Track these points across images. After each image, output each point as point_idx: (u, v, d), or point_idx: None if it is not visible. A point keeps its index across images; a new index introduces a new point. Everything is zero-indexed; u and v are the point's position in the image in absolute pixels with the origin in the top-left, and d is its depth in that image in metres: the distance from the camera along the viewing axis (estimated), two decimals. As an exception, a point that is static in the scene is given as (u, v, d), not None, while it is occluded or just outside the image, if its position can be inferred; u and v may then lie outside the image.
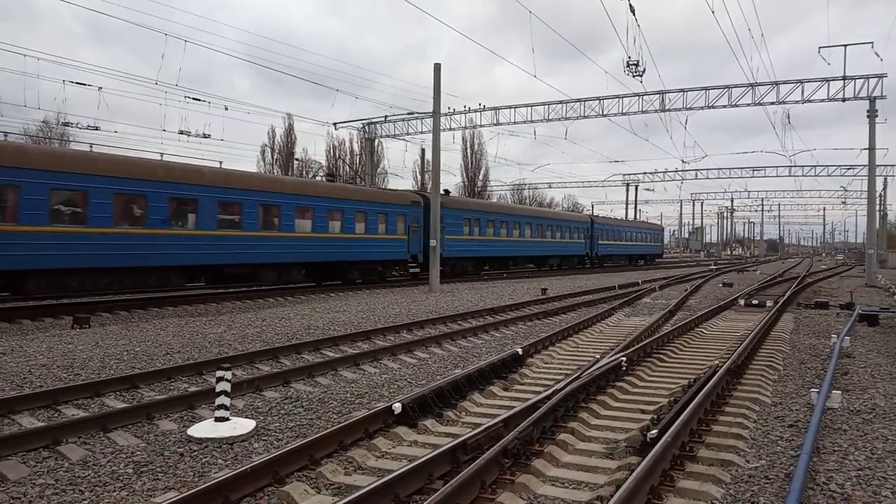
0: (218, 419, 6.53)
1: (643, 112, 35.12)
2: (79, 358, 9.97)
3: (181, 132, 33.77)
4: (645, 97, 34.64)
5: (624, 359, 9.39)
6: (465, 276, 33.51)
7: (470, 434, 5.86)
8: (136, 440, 6.32)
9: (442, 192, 32.95)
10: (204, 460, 5.76)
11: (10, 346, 10.90)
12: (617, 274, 41.06)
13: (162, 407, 7.17)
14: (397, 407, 6.73)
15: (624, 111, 35.47)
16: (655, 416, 6.72)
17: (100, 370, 9.21)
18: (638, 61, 29.75)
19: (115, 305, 17.40)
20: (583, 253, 48.44)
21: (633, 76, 30.17)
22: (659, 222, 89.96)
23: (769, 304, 19.26)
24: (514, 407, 7.14)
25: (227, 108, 32.73)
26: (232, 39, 78.80)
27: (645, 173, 72.49)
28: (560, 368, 10.05)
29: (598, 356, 10.49)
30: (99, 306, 17.15)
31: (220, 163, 21.40)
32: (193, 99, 30.65)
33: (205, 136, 34.51)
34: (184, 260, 18.73)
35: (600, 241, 50.67)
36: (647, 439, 5.80)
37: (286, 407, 7.64)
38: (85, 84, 26.70)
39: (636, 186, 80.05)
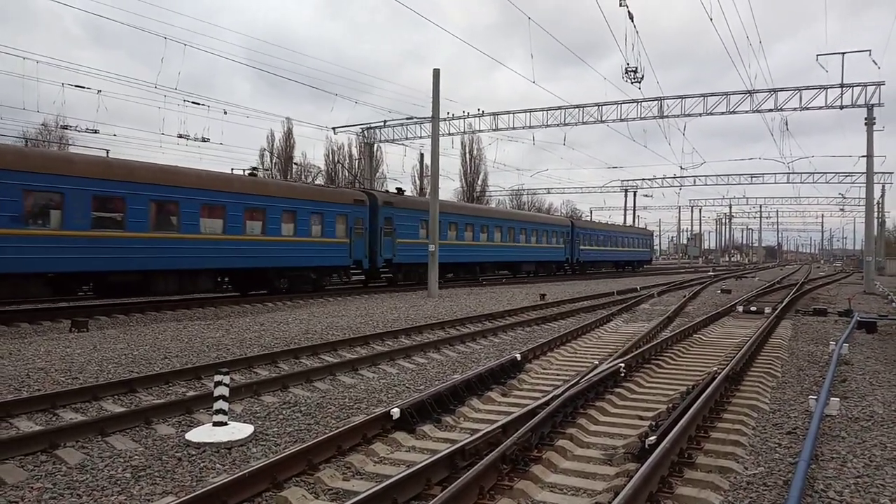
0: (216, 424, 6.52)
1: (641, 118, 35.22)
2: (77, 362, 9.96)
3: (180, 136, 33.85)
4: (643, 104, 34.74)
5: (623, 365, 9.39)
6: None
7: (468, 440, 5.86)
8: (134, 444, 6.31)
9: (394, 190, 31.17)
10: (202, 465, 5.75)
11: (8, 350, 10.88)
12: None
13: (160, 411, 7.16)
14: (395, 412, 6.72)
15: (622, 117, 35.57)
16: (654, 423, 6.72)
17: (98, 374, 9.19)
18: (636, 68, 29.83)
19: (113, 309, 17.39)
20: (562, 259, 45.90)
21: (632, 83, 30.24)
22: (657, 228, 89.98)
23: (767, 310, 19.27)
24: (512, 412, 7.13)
25: (226, 112, 32.81)
26: (232, 44, 79.01)
27: (643, 179, 72.90)
28: (559, 374, 10.04)
29: (596, 362, 10.50)
30: (97, 310, 17.14)
31: (108, 151, 18.83)
32: (193, 103, 30.72)
33: (204, 140, 34.58)
34: (42, 266, 15.71)
35: (582, 247, 48.19)
36: (646, 445, 5.80)
37: (284, 412, 7.63)
38: (84, 87, 26.75)
39: (634, 192, 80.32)
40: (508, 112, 38.53)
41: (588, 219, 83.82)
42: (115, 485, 5.27)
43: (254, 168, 24.08)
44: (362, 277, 27.94)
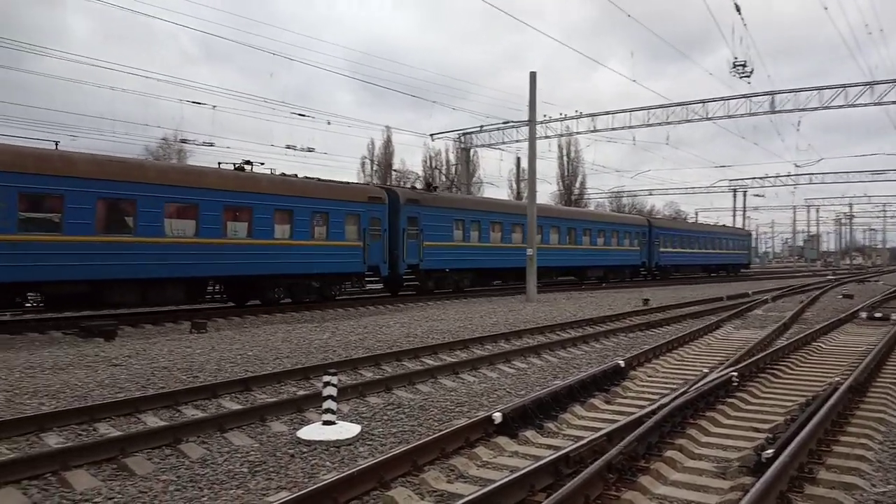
0: (325, 423, 6.76)
1: (751, 114, 33.63)
2: (197, 361, 10.61)
3: (287, 146, 35.39)
4: (753, 99, 33.11)
5: (735, 374, 8.96)
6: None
7: (572, 447, 5.78)
8: (250, 440, 6.64)
9: (422, 187, 28.84)
10: (313, 462, 5.98)
11: (135, 350, 11.74)
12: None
13: (273, 409, 7.51)
14: (497, 416, 6.73)
15: (730, 114, 34.07)
16: (771, 435, 6.38)
17: (216, 373, 9.75)
18: (745, 62, 28.56)
19: (228, 312, 18.40)
20: (637, 263, 40.97)
21: (740, 77, 28.96)
22: (769, 230, 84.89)
23: (894, 317, 17.84)
24: (617, 421, 6.97)
25: (329, 123, 33.91)
26: (335, 56, 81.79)
27: (753, 178, 69.22)
28: (665, 382, 9.72)
29: (706, 370, 10.08)
30: (214, 312, 18.18)
31: (57, 143, 16.44)
32: (299, 114, 32.07)
33: (309, 150, 35.99)
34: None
35: (662, 249, 42.89)
36: (763, 459, 5.51)
37: (389, 413, 7.80)
38: (200, 103, 28.50)
39: (744, 192, 76.52)
40: (607, 112, 37.76)
41: (694, 220, 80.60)
42: (233, 479, 5.57)
43: (246, 161, 20.77)
44: (380, 286, 24.83)
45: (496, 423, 6.71)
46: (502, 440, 6.56)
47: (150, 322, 16.45)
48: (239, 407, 7.86)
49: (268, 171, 20.91)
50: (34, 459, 5.61)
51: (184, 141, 44.62)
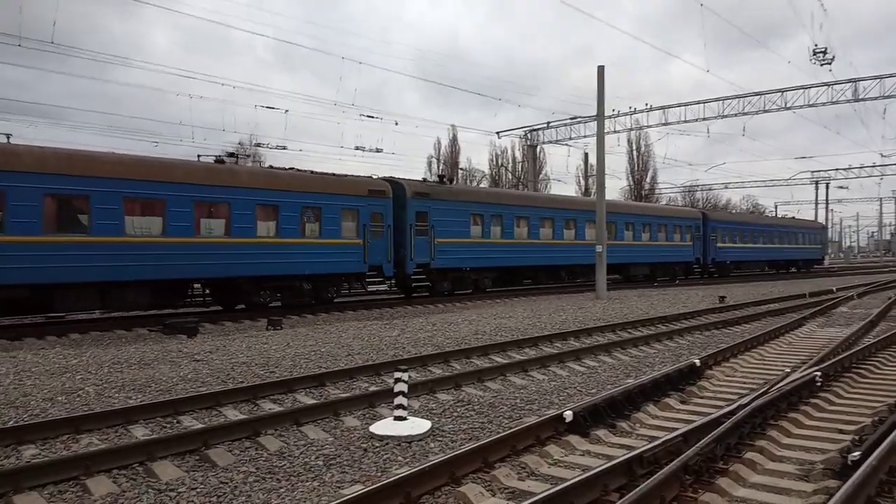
0: (397, 418, 6.86)
1: (833, 103, 32.15)
2: (273, 357, 10.94)
3: (357, 148, 36.08)
4: (835, 87, 31.56)
5: (818, 373, 8.57)
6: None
7: (647, 447, 5.66)
8: (324, 434, 6.81)
9: (434, 179, 26.26)
10: (385, 456, 6.08)
11: (216, 346, 12.21)
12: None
13: (347, 404, 7.67)
14: (568, 415, 6.66)
15: (811, 103, 32.66)
16: (857, 437, 6.07)
17: (292, 368, 10.04)
18: (826, 49, 27.34)
19: (303, 309, 18.90)
20: (689, 259, 37.22)
21: (821, 65, 27.69)
22: (854, 223, 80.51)
23: None
24: (693, 421, 6.78)
25: (397, 124, 34.42)
26: (402, 58, 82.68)
27: (836, 170, 65.95)
28: (744, 382, 9.39)
29: (787, 370, 9.68)
30: (290, 310, 18.70)
31: (9, 136, 15.31)
32: (367, 116, 32.66)
33: (377, 151, 36.60)
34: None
35: (720, 244, 39.19)
36: (849, 462, 5.26)
37: (459, 409, 7.84)
38: (274, 108, 29.37)
39: (826, 184, 73.00)
40: (679, 105, 36.79)
41: (773, 214, 77.44)
42: (310, 472, 5.72)
43: (229, 153, 20.04)
44: (385, 287, 22.85)
45: (567, 421, 6.64)
46: (574, 439, 6.49)
47: (230, 319, 17.06)
48: (314, 401, 8.06)
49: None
50: (123, 450, 5.91)
51: (258, 145, 46.16)
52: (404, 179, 22.79)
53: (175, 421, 7.28)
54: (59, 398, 8.05)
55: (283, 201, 18.57)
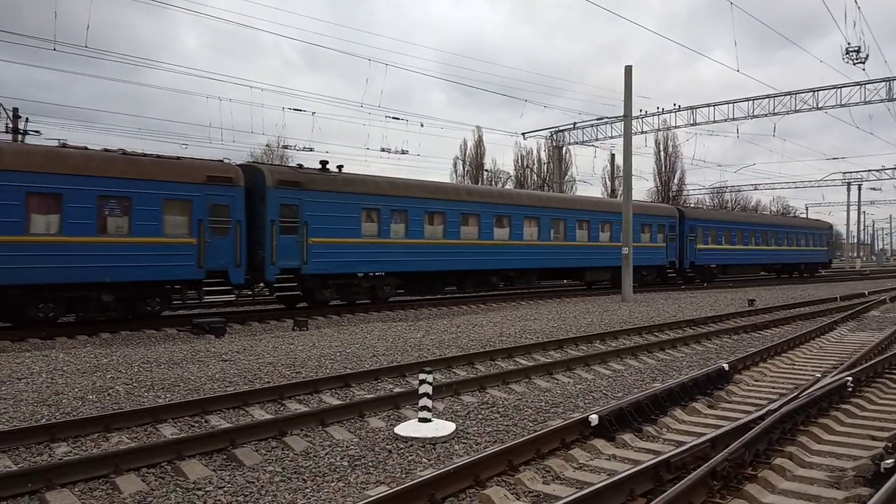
0: (421, 420, 6.87)
1: (866, 103, 31.50)
2: (299, 357, 11.03)
3: (382, 149, 36.23)
4: (868, 86, 30.93)
5: (850, 379, 8.40)
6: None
7: (674, 452, 5.59)
8: (350, 435, 6.84)
9: (316, 167, 20.09)
10: (410, 458, 6.09)
11: (243, 346, 12.34)
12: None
13: (371, 405, 7.70)
14: (594, 419, 6.61)
15: (843, 102, 32.02)
16: (890, 444, 5.93)
17: (317, 369, 10.11)
18: (859, 47, 26.76)
19: (329, 310, 19.02)
20: (662, 262, 32.33)
21: (854, 64, 27.16)
22: (887, 225, 78.56)
23: None
24: (721, 426, 6.69)
25: (422, 125, 34.51)
26: (428, 59, 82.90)
27: (869, 171, 64.61)
28: (773, 387, 9.23)
29: (818, 375, 9.50)
30: (313, 311, 18.84)
31: None
32: (393, 118, 32.77)
33: (403, 153, 36.70)
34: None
35: (700, 246, 34.69)
36: (882, 469, 5.15)
37: (483, 412, 7.83)
38: (301, 110, 29.59)
39: (859, 186, 71.58)
40: (707, 105, 36.31)
41: (804, 216, 76.05)
42: (335, 472, 5.75)
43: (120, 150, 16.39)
44: (231, 297, 17.75)
45: (593, 425, 6.59)
46: (599, 443, 6.44)
47: (256, 320, 17.24)
48: (339, 402, 8.10)
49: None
50: (151, 449, 5.99)
51: (286, 147, 46.58)
52: (267, 164, 18.62)
53: (203, 420, 7.37)
54: (90, 397, 8.19)
55: (70, 189, 14.65)
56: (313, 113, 31.19)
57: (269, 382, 9.10)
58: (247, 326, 16.48)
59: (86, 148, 15.87)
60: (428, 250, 21.79)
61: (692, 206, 52.07)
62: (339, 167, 20.45)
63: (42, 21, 76.83)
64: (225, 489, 5.34)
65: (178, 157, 17.20)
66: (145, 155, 16.57)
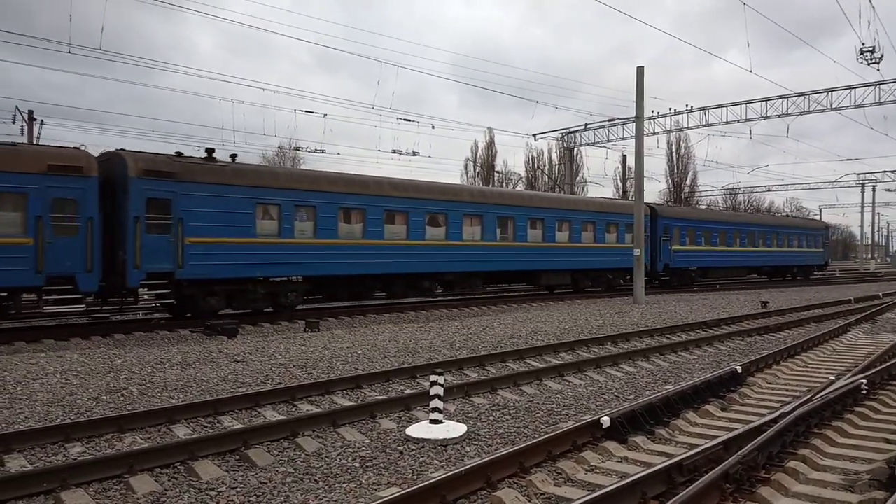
0: (433, 421, 6.88)
1: (881, 103, 31.22)
2: (311, 358, 11.06)
3: (394, 151, 36.32)
4: (883, 86, 30.66)
5: (864, 381, 8.33)
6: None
7: (686, 455, 5.57)
8: (361, 436, 6.86)
9: (200, 156, 17.36)
10: (421, 459, 6.10)
11: (255, 347, 12.39)
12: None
13: (383, 407, 7.72)
14: (606, 421, 6.59)
15: (857, 103, 31.73)
16: (908, 449, 5.88)
17: (328, 370, 10.13)
18: (874, 48, 26.54)
19: (340, 311, 19.06)
20: (629, 265, 27.45)
21: (869, 64, 26.94)
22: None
23: None
24: (734, 429, 6.65)
25: (433, 127, 34.56)
26: (440, 61, 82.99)
27: (884, 172, 64.02)
28: (786, 390, 9.17)
29: (832, 377, 9.42)
30: (325, 312, 18.89)
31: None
32: (404, 120, 32.85)
33: (414, 154, 36.79)
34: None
35: (676, 247, 31.91)
36: (898, 473, 5.09)
37: (494, 413, 7.82)
38: (313, 112, 29.72)
39: (873, 187, 70.98)
40: (720, 106, 36.11)
41: (817, 217, 75.42)
42: (346, 473, 5.77)
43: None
44: (80, 307, 15.15)
45: (604, 427, 6.57)
46: (611, 445, 6.42)
47: (268, 321, 17.31)
48: (350, 404, 8.12)
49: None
50: (165, 449, 6.04)
51: (297, 149, 46.74)
52: (129, 151, 16.07)
53: (216, 421, 7.41)
54: (104, 397, 8.26)
55: None
56: (325, 115, 31.25)
57: (281, 384, 9.13)
58: (258, 327, 16.55)
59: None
60: (342, 251, 19.20)
61: (666, 203, 47.22)
62: (233, 156, 18.19)
63: (57, 24, 77.41)
64: (238, 489, 5.37)
65: (14, 144, 15.08)
66: None
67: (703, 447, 5.80)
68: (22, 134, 31.32)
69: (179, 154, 16.99)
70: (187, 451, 6.04)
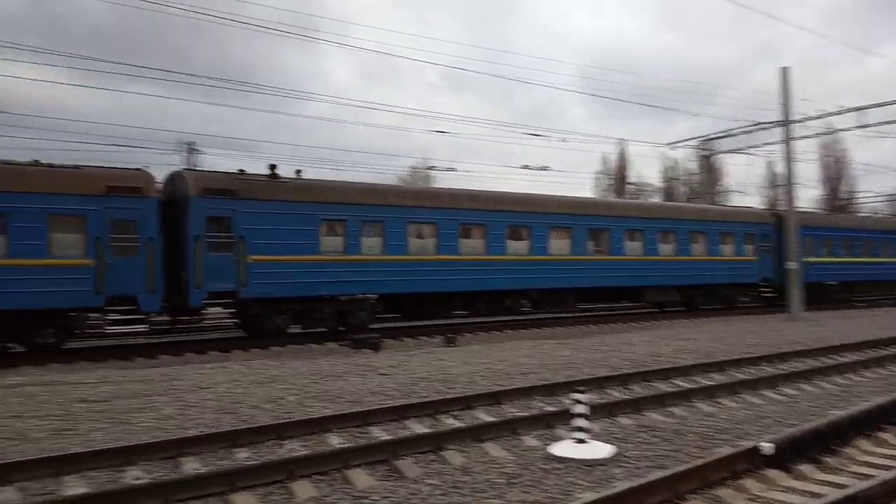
0: (577, 441, 6.75)
1: None
2: (451, 373, 11.25)
3: (523, 167, 36.39)
4: None
5: None
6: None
7: (862, 486, 5.09)
8: (504, 452, 6.86)
9: (262, 173, 17.29)
10: (568, 479, 5.99)
11: (398, 361, 12.80)
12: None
13: (525, 423, 7.68)
14: (768, 447, 6.14)
15: None
16: None
17: (469, 385, 10.25)
18: None
19: (476, 327, 19.26)
20: (752, 279, 26.70)
21: None
22: None
23: None
24: (918, 460, 5.99)
25: (563, 140, 34.32)
26: (567, 75, 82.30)
27: None
28: (980, 418, 8.12)
29: None
30: (462, 327, 19.16)
31: None
32: (533, 135, 32.85)
33: (543, 169, 36.62)
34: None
35: (810, 258, 27.38)
36: None
37: (641, 435, 7.55)
38: (444, 131, 30.47)
39: None
40: (878, 105, 32.90)
41: None
42: (493, 488, 5.78)
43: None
44: (143, 328, 15.18)
45: (766, 453, 6.13)
46: (773, 473, 5.98)
47: (408, 335, 17.83)
48: (492, 419, 8.15)
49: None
50: (321, 457, 6.35)
51: (430, 168, 47.99)
52: (191, 170, 16.38)
53: (364, 431, 7.71)
54: (265, 405, 8.85)
55: None
56: (456, 134, 32.04)
57: (424, 397, 9.34)
58: (399, 342, 17.09)
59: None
60: (413, 268, 18.46)
61: (812, 211, 39.64)
62: (297, 172, 17.89)
63: (208, 59, 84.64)
64: (390, 499, 5.53)
65: (78, 166, 15.25)
66: (32, 164, 14.66)
67: (881, 478, 5.27)
68: (182, 164, 34.56)
69: (241, 172, 16.94)
70: (341, 460, 6.31)
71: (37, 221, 13.88)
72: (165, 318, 16.23)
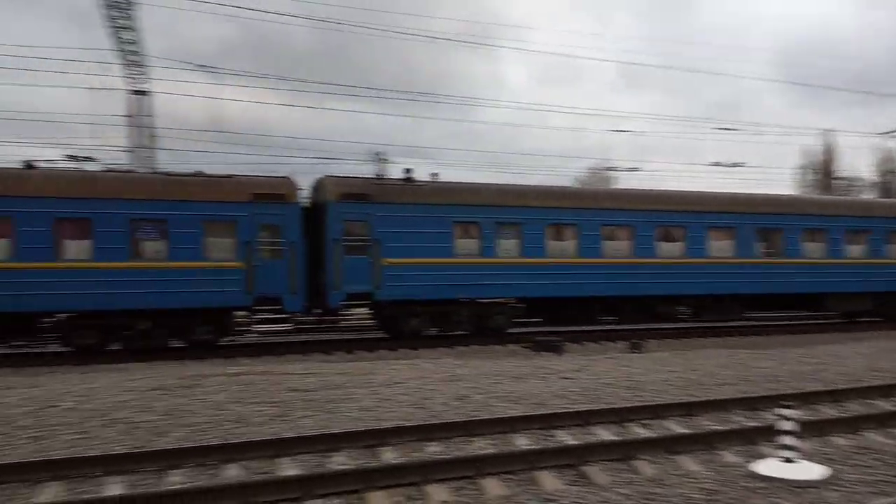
0: (784, 459, 6.22)
1: None
2: (638, 380, 10.88)
3: (714, 164, 34.19)
4: None
5: None
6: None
7: None
8: (699, 467, 6.50)
9: (398, 177, 17.67)
10: (774, 500, 5.56)
11: (581, 365, 12.62)
12: None
13: (722, 438, 7.23)
14: None
15: None
16: None
17: (658, 393, 9.85)
18: None
19: (664, 333, 18.45)
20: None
21: None
22: None
23: None
24: None
25: (760, 133, 31.81)
26: (762, 62, 76.06)
27: None
28: None
29: None
30: (648, 333, 18.45)
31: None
32: (724, 129, 30.78)
33: (735, 165, 34.11)
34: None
35: None
36: None
37: (858, 457, 6.80)
38: (623, 130, 29.54)
39: None
40: None
41: None
42: (688, 502, 5.51)
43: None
44: (287, 326, 16.14)
45: None
46: None
47: (590, 340, 17.53)
48: (686, 431, 7.77)
49: None
50: (509, 456, 6.45)
51: (609, 168, 46.78)
52: (328, 176, 16.95)
53: (549, 434, 7.70)
54: (453, 402, 9.17)
55: (99, 213, 14.71)
56: (636, 132, 30.89)
57: (611, 403, 9.13)
58: (581, 346, 16.85)
59: (115, 172, 16.27)
60: (551, 271, 17.81)
61: None
62: (434, 174, 17.93)
63: (394, 72, 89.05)
64: (580, 504, 5.48)
65: (229, 176, 16.34)
66: (187, 175, 16.04)
67: None
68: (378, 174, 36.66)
69: (378, 176, 17.61)
70: (528, 461, 6.37)
71: (193, 227, 15.21)
72: (306, 317, 17.30)
